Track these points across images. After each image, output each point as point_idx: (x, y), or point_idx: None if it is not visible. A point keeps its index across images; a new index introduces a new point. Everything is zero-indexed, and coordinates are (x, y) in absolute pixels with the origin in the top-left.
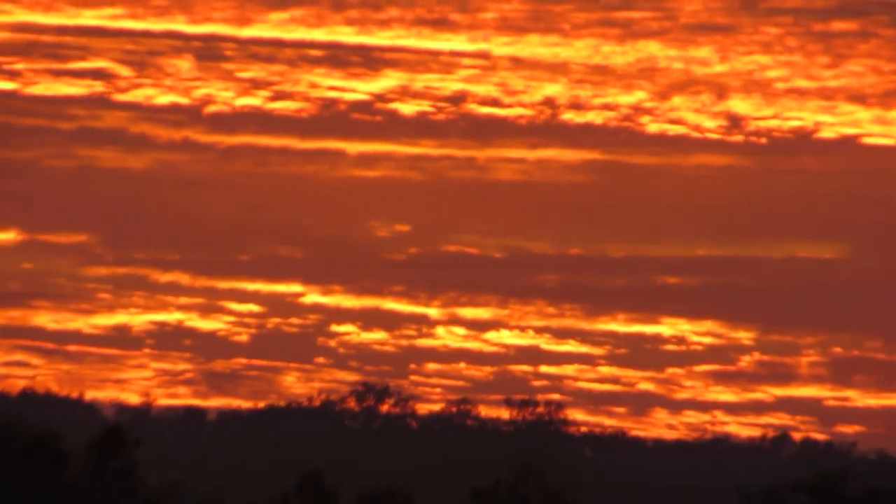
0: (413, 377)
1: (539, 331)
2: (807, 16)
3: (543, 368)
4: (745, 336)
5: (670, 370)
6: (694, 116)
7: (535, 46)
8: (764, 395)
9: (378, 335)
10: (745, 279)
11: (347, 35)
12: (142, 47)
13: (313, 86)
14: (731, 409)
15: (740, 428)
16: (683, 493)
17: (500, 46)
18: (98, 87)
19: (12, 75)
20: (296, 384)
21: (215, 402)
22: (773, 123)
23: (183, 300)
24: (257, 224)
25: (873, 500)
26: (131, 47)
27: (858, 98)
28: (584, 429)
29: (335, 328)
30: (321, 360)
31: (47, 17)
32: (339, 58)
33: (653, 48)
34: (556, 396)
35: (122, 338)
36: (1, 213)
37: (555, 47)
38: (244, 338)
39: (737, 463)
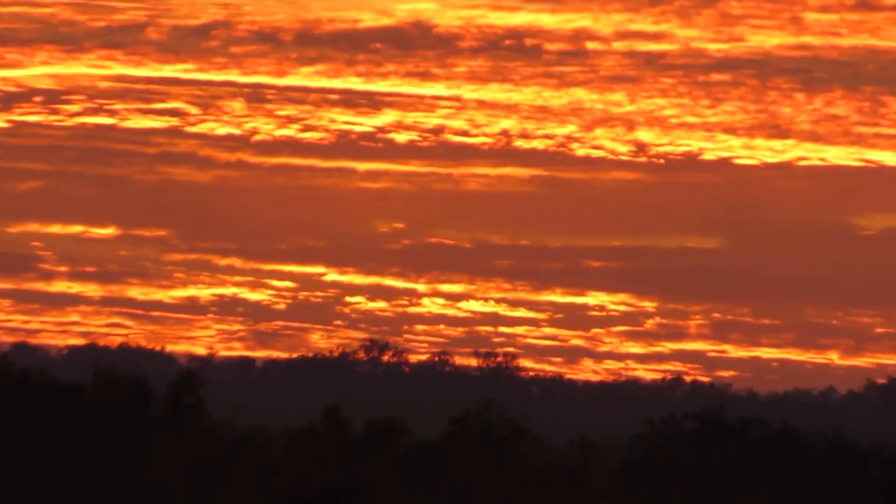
0: (406, 335)
1: (498, 301)
2: (693, 70)
3: (501, 329)
4: (649, 305)
5: (594, 330)
6: (611, 143)
7: (494, 92)
8: (663, 348)
9: (380, 304)
10: (649, 263)
11: (357, 84)
12: (206, 92)
13: (332, 121)
14: (639, 359)
15: (646, 373)
16: (604, 421)
17: (469, 92)
18: (174, 121)
19: (111, 113)
20: (320, 341)
21: (261, 354)
22: (669, 149)
23: (237, 278)
24: (291, 222)
25: (744, 427)
26: (199, 92)
27: (731, 130)
28: (531, 373)
29: (349, 299)
30: (339, 322)
31: (137, 70)
32: (351, 100)
33: (580, 93)
34: (510, 350)
35: (192, 306)
36: (103, 214)
37: (509, 93)
38: (282, 306)
39: (643, 399)
